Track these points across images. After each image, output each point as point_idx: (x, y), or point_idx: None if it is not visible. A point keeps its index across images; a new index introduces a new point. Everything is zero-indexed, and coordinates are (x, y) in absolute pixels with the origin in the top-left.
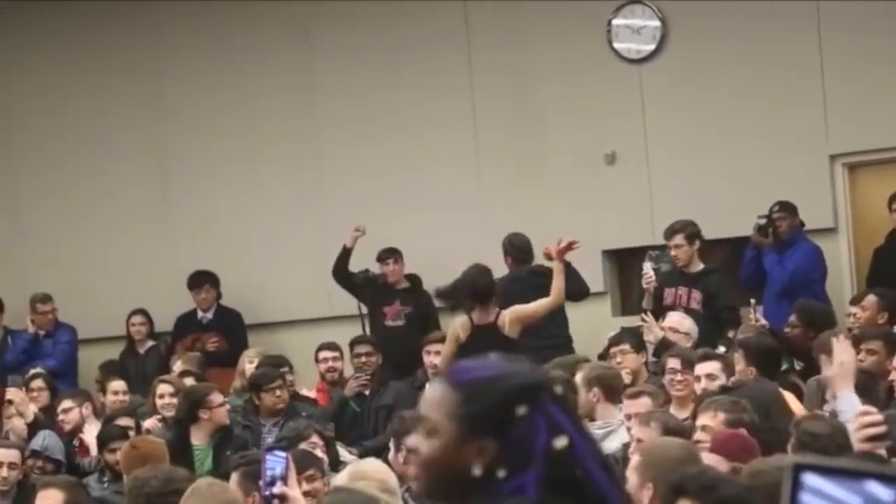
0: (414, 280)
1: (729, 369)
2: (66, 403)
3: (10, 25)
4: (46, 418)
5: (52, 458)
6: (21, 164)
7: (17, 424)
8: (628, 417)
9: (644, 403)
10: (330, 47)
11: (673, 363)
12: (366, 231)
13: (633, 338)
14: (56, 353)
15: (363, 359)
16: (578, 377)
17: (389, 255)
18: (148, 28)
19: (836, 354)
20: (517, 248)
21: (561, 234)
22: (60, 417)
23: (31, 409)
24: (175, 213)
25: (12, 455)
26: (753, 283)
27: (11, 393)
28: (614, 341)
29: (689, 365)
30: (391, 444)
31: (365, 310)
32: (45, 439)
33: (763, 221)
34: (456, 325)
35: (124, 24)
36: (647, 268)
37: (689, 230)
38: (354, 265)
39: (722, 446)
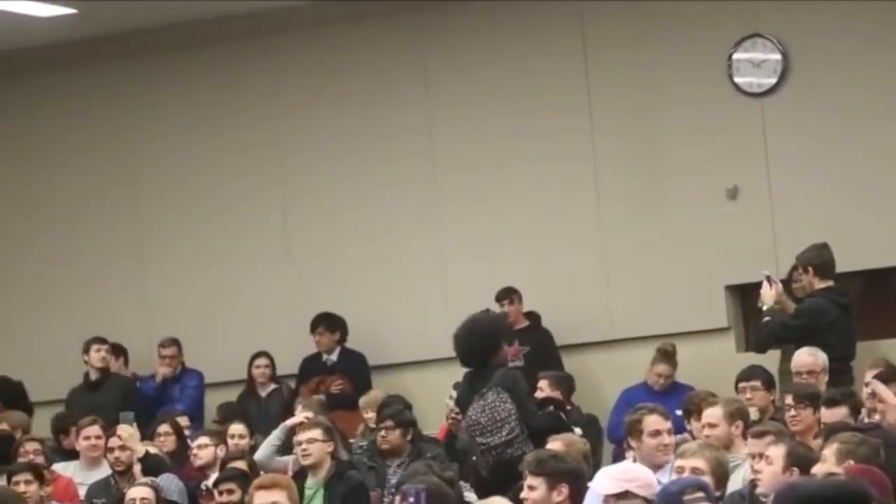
0: (533, 318)
1: (855, 411)
2: (203, 440)
3: (138, 77)
4: (174, 463)
5: (169, 501)
6: (146, 211)
7: (124, 457)
8: (752, 456)
9: (767, 443)
10: (447, 83)
11: (788, 399)
12: None
13: (764, 374)
14: (184, 397)
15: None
16: (712, 412)
17: (506, 295)
18: (269, 76)
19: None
20: None
21: (684, 269)
22: (194, 452)
23: (141, 446)
24: (298, 256)
25: (145, 492)
26: None
27: (121, 429)
28: (744, 377)
29: (803, 399)
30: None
31: None
32: (165, 480)
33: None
34: None
35: (244, 76)
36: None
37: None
38: (474, 306)
39: None
